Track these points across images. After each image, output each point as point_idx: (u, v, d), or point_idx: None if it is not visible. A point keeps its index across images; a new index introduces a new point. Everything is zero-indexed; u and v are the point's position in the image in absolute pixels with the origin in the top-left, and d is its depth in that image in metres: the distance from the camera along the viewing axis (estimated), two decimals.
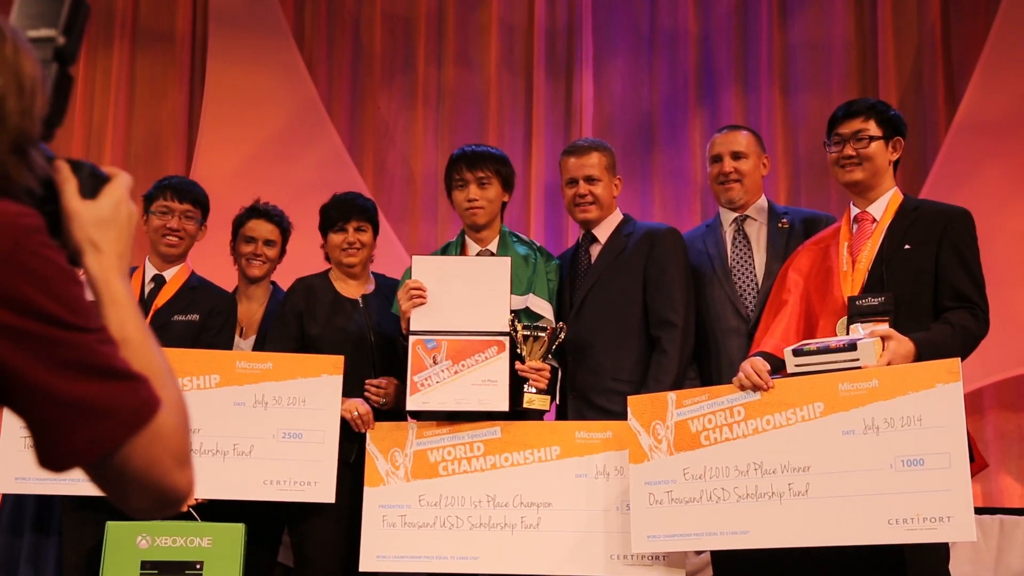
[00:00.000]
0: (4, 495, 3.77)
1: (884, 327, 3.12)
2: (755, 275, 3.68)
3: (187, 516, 3.47)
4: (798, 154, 5.88)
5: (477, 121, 6.23)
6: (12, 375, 1.03)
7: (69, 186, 1.23)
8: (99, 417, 1.05)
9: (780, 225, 3.72)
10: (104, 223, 1.23)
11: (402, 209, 6.12)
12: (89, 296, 1.16)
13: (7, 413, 1.10)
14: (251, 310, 4.05)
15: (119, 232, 1.24)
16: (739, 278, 3.70)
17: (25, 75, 1.14)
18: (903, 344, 3.06)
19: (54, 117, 1.22)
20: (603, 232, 3.81)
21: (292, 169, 5.82)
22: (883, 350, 3.05)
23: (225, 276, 4.14)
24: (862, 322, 3.20)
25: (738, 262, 3.72)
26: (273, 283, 4.17)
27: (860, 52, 5.88)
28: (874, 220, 3.38)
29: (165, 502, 1.13)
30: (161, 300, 3.81)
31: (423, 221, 6.10)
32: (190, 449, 1.14)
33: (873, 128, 3.39)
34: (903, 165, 5.35)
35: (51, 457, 1.06)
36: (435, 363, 3.55)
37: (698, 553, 3.87)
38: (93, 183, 1.26)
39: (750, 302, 3.64)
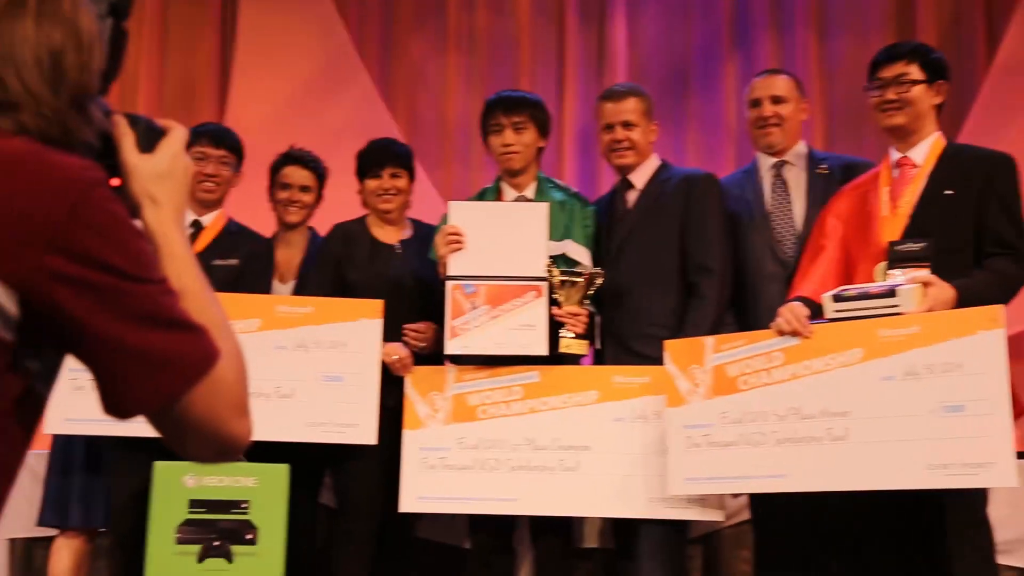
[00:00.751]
0: (54, 436, 3.83)
1: (924, 273, 3.10)
2: (793, 221, 3.66)
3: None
4: (834, 99, 5.83)
5: (509, 66, 6.20)
6: (80, 325, 1.05)
7: (127, 140, 1.25)
8: (163, 367, 1.07)
9: (819, 171, 3.69)
10: (162, 176, 1.25)
11: (436, 155, 6.11)
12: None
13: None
14: (290, 256, 4.08)
15: (176, 185, 1.26)
16: (777, 223, 3.68)
17: (83, 30, 1.15)
18: (944, 290, 3.04)
19: (110, 72, 1.23)
20: (640, 178, 3.80)
21: (325, 114, 5.82)
22: (923, 296, 3.04)
23: (263, 222, 4.16)
24: (901, 268, 3.18)
25: (777, 208, 3.71)
26: (311, 228, 4.19)
27: None
28: (915, 165, 3.35)
29: (224, 450, 1.15)
30: (200, 245, 3.84)
31: (456, 166, 6.11)
32: (248, 399, 1.16)
33: (915, 72, 3.35)
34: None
35: (117, 405, 1.09)
36: (473, 308, 3.57)
37: (735, 496, 3.89)
38: (150, 137, 1.27)
39: (789, 248, 3.63)
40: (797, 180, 3.72)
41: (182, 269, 1.17)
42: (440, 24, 6.27)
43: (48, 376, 1.12)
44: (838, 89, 5.80)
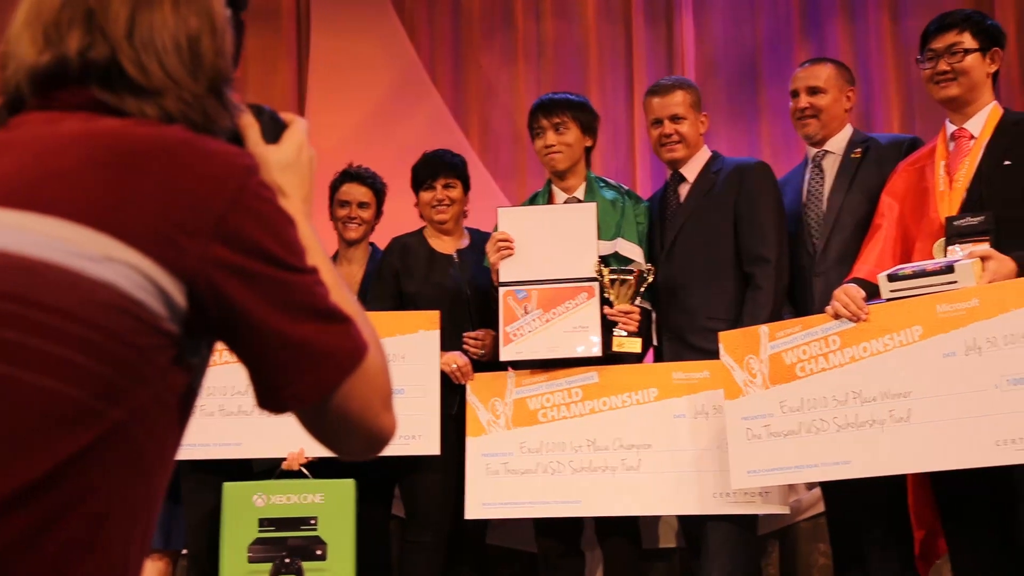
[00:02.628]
0: None
1: (984, 247, 2.99)
2: (823, 209, 3.58)
3: (299, 475, 3.57)
4: (910, 80, 5.66)
5: (578, 72, 6.18)
6: (245, 317, 1.02)
7: (252, 131, 1.22)
8: (320, 359, 1.04)
9: (852, 155, 3.59)
10: (288, 168, 1.22)
11: (509, 166, 6.12)
12: None
13: None
14: (351, 272, 4.13)
15: (302, 176, 1.23)
16: (811, 213, 3.60)
17: (217, 15, 1.14)
18: (1004, 263, 2.93)
19: (233, 62, 1.20)
20: (691, 171, 3.75)
21: (398, 133, 5.88)
22: (983, 271, 2.93)
23: (327, 240, 4.22)
24: (960, 243, 3.08)
25: (811, 197, 3.63)
26: (372, 244, 4.23)
27: None
28: (972, 137, 3.23)
29: (374, 443, 1.12)
30: None
31: (531, 177, 6.09)
32: (392, 391, 1.13)
33: (968, 40, 3.24)
34: (1012, 81, 5.12)
35: (274, 400, 1.06)
36: (526, 313, 3.56)
37: (809, 488, 3.80)
38: (274, 128, 1.26)
39: (817, 236, 3.54)
40: (832, 168, 3.63)
41: (319, 260, 1.12)
42: (509, 36, 6.29)
43: (202, 372, 1.09)
44: (914, 69, 5.60)
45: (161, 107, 1.07)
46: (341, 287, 1.13)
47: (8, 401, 0.90)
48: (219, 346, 1.10)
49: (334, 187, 4.18)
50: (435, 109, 6.05)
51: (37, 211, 0.97)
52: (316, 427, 1.10)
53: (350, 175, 4.16)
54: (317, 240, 1.15)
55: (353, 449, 1.14)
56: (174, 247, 0.99)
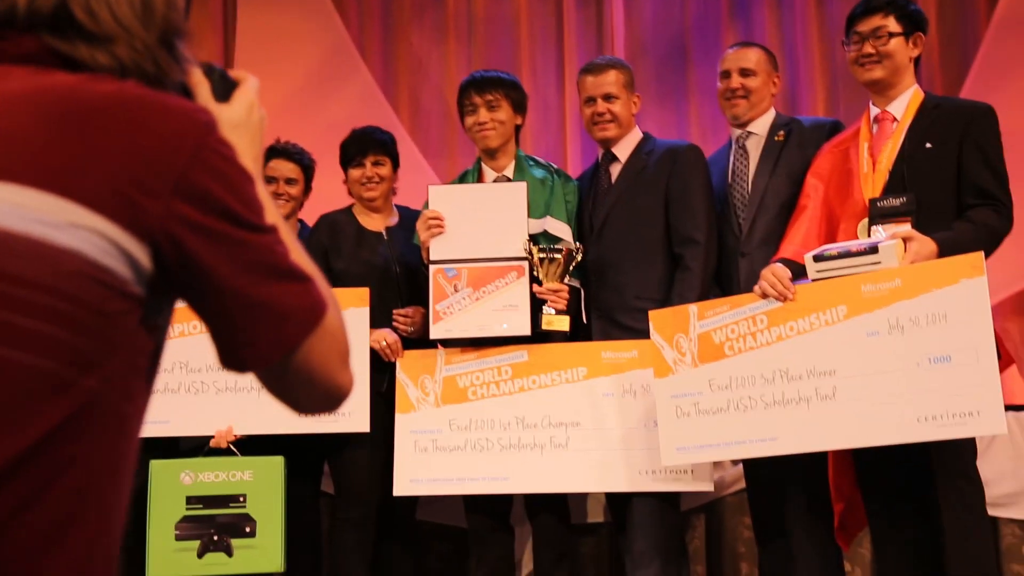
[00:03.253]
0: None
1: (906, 228, 3.06)
2: (747, 190, 3.62)
3: (227, 452, 3.54)
4: (835, 64, 5.74)
5: (509, 51, 6.17)
6: (208, 276, 1.01)
7: (203, 89, 1.20)
8: (282, 318, 1.04)
9: (776, 138, 3.65)
10: (238, 127, 1.19)
11: (440, 144, 6.09)
12: None
13: None
14: None
15: (252, 136, 1.21)
16: (736, 194, 3.64)
17: None
18: (925, 245, 2.99)
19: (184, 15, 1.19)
20: (623, 151, 3.77)
21: (326, 109, 5.81)
22: (905, 251, 2.99)
23: None
24: (883, 224, 3.14)
25: (736, 179, 3.67)
26: (301, 221, 4.19)
27: None
28: (895, 119, 3.30)
29: (333, 399, 1.12)
30: None
31: (461, 155, 6.07)
32: (349, 349, 1.13)
33: (892, 24, 3.30)
34: (942, 65, 5.23)
35: (237, 359, 1.06)
36: (456, 291, 3.56)
37: (735, 464, 3.86)
38: (224, 86, 1.23)
39: (742, 217, 3.59)
40: (756, 150, 3.67)
41: (276, 219, 1.10)
42: (439, 12, 6.25)
43: (166, 331, 1.09)
44: (839, 54, 5.68)
45: (113, 55, 1.04)
46: (298, 246, 1.12)
47: None
48: None
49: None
50: (364, 85, 5.99)
51: None
52: (276, 385, 1.10)
53: (277, 151, 4.10)
54: (271, 200, 1.12)
55: (312, 406, 1.13)
56: (136, 207, 0.97)
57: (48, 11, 1.03)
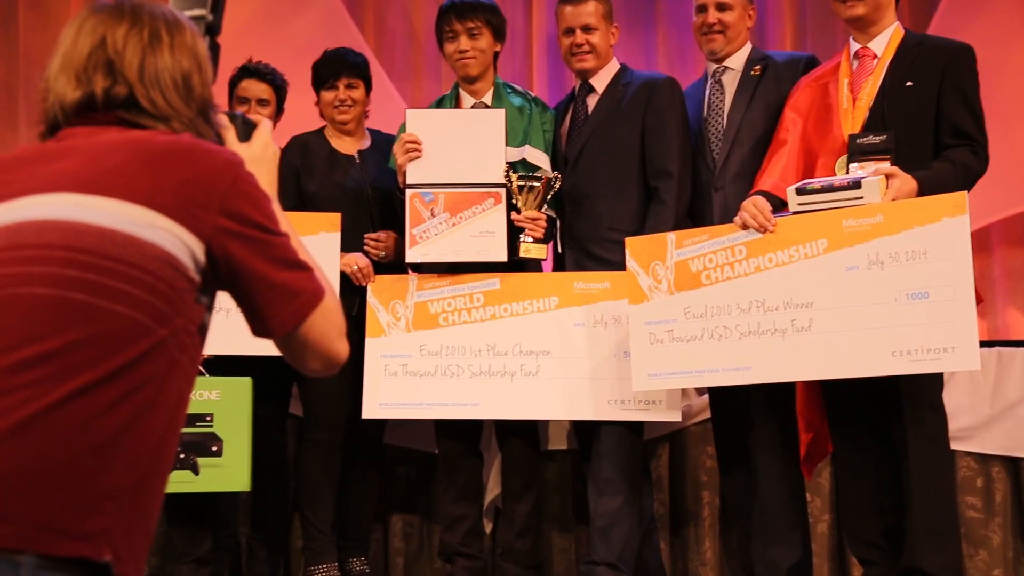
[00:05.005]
0: None
1: (886, 165, 3.09)
2: (723, 125, 3.64)
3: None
4: None
5: None
6: (244, 267, 1.43)
7: (229, 133, 1.64)
8: (295, 295, 1.46)
9: (752, 72, 3.65)
10: (257, 161, 1.61)
11: (405, 66, 5.97)
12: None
13: None
14: None
15: (268, 167, 1.66)
16: (711, 128, 3.65)
17: (201, 55, 1.56)
18: (907, 182, 3.03)
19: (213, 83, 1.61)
20: (600, 82, 3.75)
21: (291, 30, 5.65)
22: (887, 188, 3.03)
23: None
24: (862, 160, 3.16)
25: (712, 113, 3.67)
26: None
27: None
28: (875, 56, 3.31)
29: (332, 364, 1.53)
30: None
31: (426, 79, 5.96)
32: (344, 325, 1.53)
33: None
34: (910, 2, 5.26)
35: (265, 327, 1.48)
36: (433, 216, 3.54)
37: (700, 393, 3.91)
38: (245, 129, 1.66)
39: (717, 151, 3.60)
40: (732, 84, 3.67)
41: (287, 228, 1.51)
42: None
43: (210, 311, 1.49)
44: None
45: (168, 127, 1.49)
46: (303, 247, 1.53)
47: (96, 320, 1.31)
48: None
49: (232, 83, 4.02)
50: (328, 5, 5.84)
51: (101, 194, 1.38)
52: (289, 350, 1.51)
53: (249, 71, 4.00)
54: (283, 214, 1.53)
55: (315, 367, 1.54)
56: (195, 217, 1.40)
57: (121, 100, 1.49)
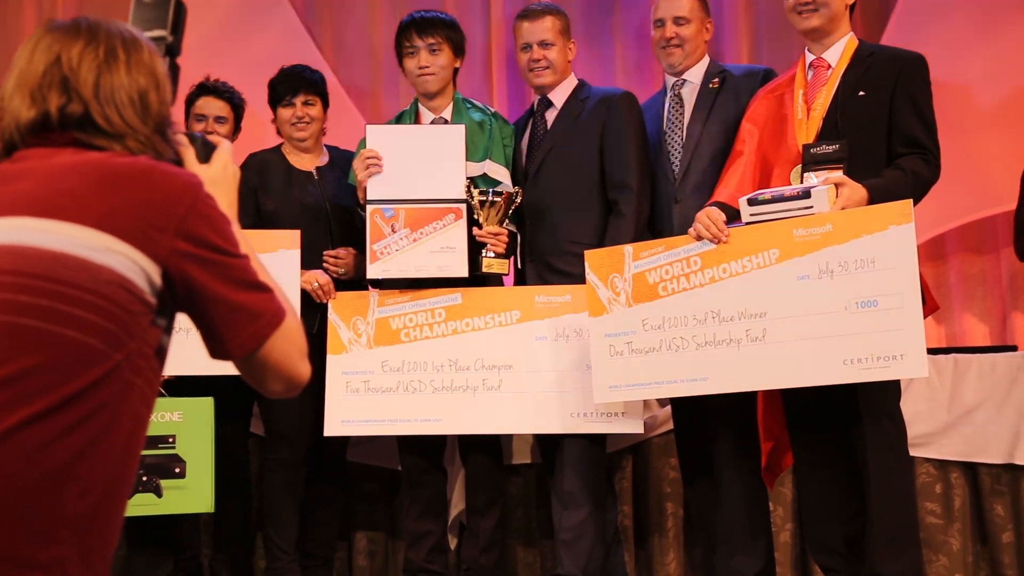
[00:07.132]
0: None
1: (838, 174, 3.11)
2: (683, 138, 3.66)
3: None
4: (759, 9, 5.77)
5: None
6: (201, 289, 1.41)
7: (189, 153, 1.62)
8: (254, 318, 1.44)
9: (711, 85, 3.68)
10: (216, 182, 1.60)
11: (363, 83, 5.99)
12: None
13: None
14: None
15: (228, 187, 1.64)
16: (670, 142, 3.67)
17: (159, 73, 1.54)
18: (856, 191, 3.05)
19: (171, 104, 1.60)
20: (559, 97, 3.78)
21: (248, 47, 5.65)
22: (837, 197, 3.05)
23: None
24: (816, 170, 3.18)
25: (671, 126, 3.70)
26: None
27: None
28: (829, 67, 3.34)
29: (293, 385, 1.52)
30: None
31: (385, 95, 5.97)
32: (306, 348, 1.52)
33: None
34: (863, 11, 5.29)
35: (223, 350, 1.46)
36: (393, 231, 3.54)
37: (662, 405, 3.92)
38: (205, 150, 1.64)
39: (677, 165, 3.62)
40: (691, 98, 3.70)
41: (246, 249, 1.50)
42: None
43: (168, 333, 1.47)
44: (762, 0, 5.74)
45: (124, 146, 1.48)
46: (263, 268, 1.52)
47: (48, 346, 1.31)
48: None
49: (189, 101, 4.03)
50: (287, 22, 5.84)
51: (54, 218, 1.37)
52: (250, 372, 1.49)
53: (207, 88, 4.02)
54: (243, 235, 1.53)
55: (276, 389, 1.52)
56: (151, 240, 1.39)
57: (76, 118, 1.48)
